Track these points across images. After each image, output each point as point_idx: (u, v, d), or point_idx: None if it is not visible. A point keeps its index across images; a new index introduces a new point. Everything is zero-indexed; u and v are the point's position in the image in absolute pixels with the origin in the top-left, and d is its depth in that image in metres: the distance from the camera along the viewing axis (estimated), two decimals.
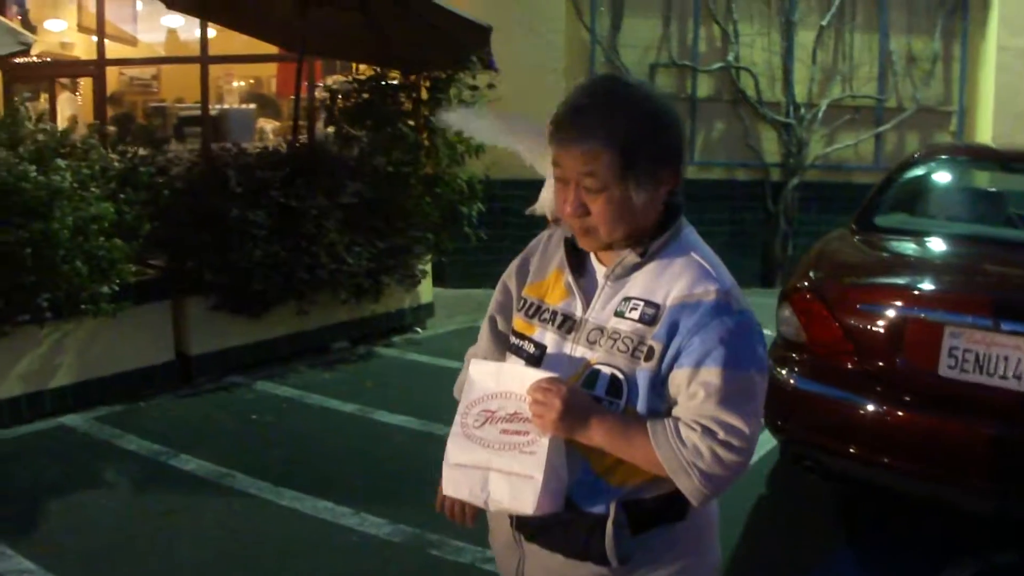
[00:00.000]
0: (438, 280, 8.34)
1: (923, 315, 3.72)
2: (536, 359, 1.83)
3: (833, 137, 10.11)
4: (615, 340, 1.72)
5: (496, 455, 1.72)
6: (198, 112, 10.49)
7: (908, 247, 4.60)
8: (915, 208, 5.26)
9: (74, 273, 5.00)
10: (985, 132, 10.53)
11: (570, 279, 1.84)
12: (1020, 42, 10.48)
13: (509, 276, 2.01)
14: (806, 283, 4.17)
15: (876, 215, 4.99)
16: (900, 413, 3.69)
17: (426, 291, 7.71)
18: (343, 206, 6.51)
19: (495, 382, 1.76)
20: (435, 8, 6.70)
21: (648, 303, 1.72)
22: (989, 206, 5.25)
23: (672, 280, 1.72)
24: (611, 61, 9.33)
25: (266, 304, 6.29)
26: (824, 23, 9.94)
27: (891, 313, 3.78)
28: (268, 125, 11.60)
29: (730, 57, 9.71)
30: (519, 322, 1.91)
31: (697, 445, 1.64)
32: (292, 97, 7.89)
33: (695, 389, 1.65)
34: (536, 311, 1.88)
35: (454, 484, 1.77)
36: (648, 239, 1.76)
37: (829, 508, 4.37)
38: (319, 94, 9.48)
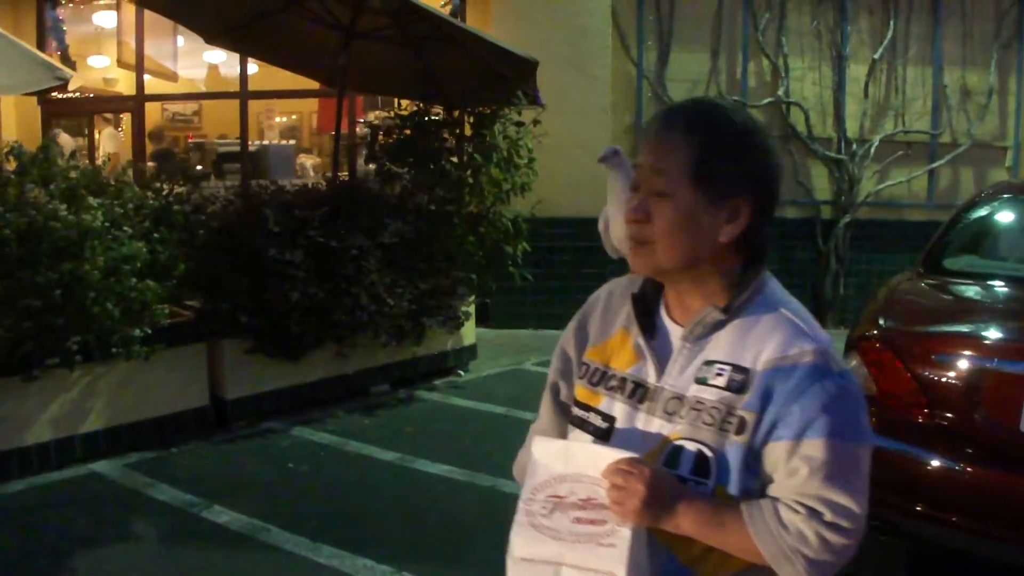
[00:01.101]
0: (481, 321, 8.13)
1: (1004, 366, 3.47)
2: (604, 433, 1.60)
3: (885, 173, 9.83)
4: (699, 411, 1.49)
5: (569, 548, 1.49)
6: (237, 148, 10.42)
7: (981, 292, 4.36)
8: (983, 250, 5.00)
9: (105, 315, 4.84)
10: None
11: (640, 340, 1.61)
12: None
13: (567, 340, 1.77)
14: (875, 331, 3.92)
15: (944, 257, 4.76)
16: (978, 470, 3.43)
17: (469, 333, 7.48)
18: (383, 246, 6.32)
19: (563, 463, 1.54)
20: (481, 42, 6.55)
21: (736, 368, 1.50)
22: None
23: (761, 340, 1.50)
24: (658, 96, 9.13)
25: (304, 347, 6.09)
26: (876, 56, 9.70)
27: (968, 364, 3.53)
28: (308, 161, 11.52)
29: (780, 92, 9.47)
30: (582, 391, 1.68)
31: (801, 529, 1.44)
32: (333, 133, 7.77)
33: (796, 464, 1.44)
34: (601, 378, 1.65)
35: None
36: (728, 291, 1.54)
37: (902, 572, 4.10)
38: (360, 130, 9.36)
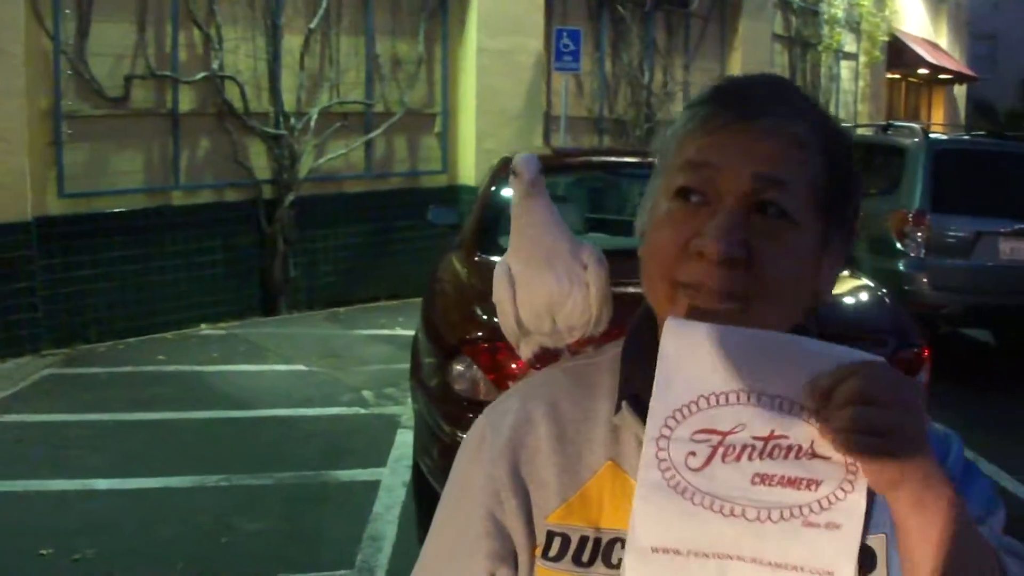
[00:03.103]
0: None
1: None
2: None
3: (324, 147, 9.82)
4: None
5: (748, 531, 0.87)
6: None
7: None
8: None
9: None
10: (468, 132, 11.00)
11: None
12: (498, 43, 10.99)
13: (492, 495, 1.07)
14: (484, 331, 3.92)
15: (498, 237, 4.87)
16: None
17: None
18: None
19: (724, 364, 0.87)
20: None
21: None
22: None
23: None
24: (80, 75, 8.09)
25: None
26: (312, 26, 9.54)
27: None
28: None
29: (214, 65, 8.92)
30: None
31: None
32: None
33: None
34: (595, 553, 1.03)
35: None
36: None
37: None
38: None
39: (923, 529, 0.87)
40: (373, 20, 10.12)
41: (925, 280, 8.16)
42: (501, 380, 3.80)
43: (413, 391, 4.87)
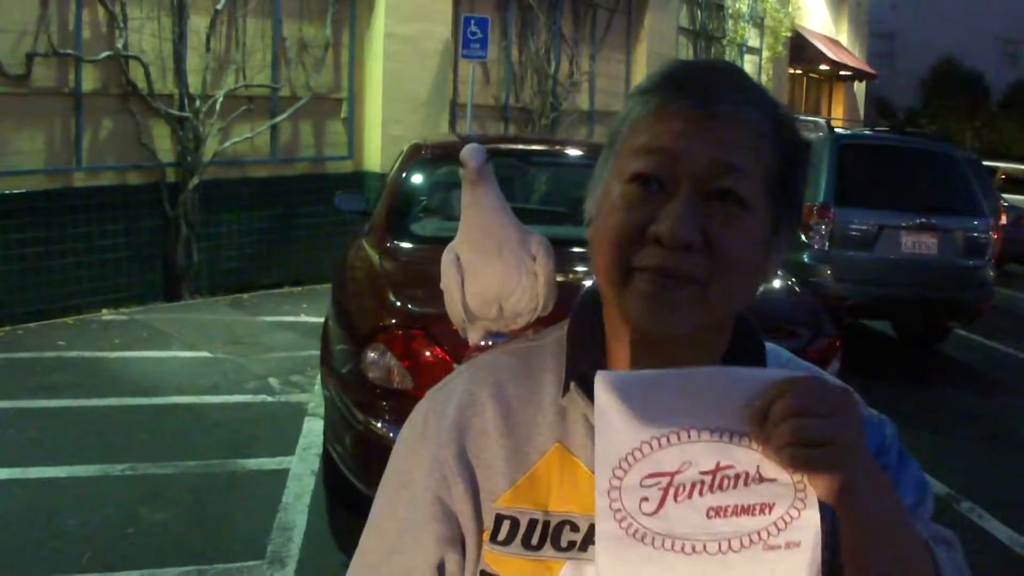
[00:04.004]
0: None
1: None
2: None
3: (230, 131, 9.79)
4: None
5: (713, 563, 0.90)
6: None
7: None
8: (445, 213, 5.38)
9: None
10: (375, 118, 11.08)
11: None
12: (405, 29, 11.09)
13: (439, 479, 1.09)
14: (398, 318, 3.99)
15: (411, 224, 4.91)
16: None
17: None
18: None
19: (655, 411, 0.90)
20: None
21: None
22: None
23: None
24: None
25: None
26: (219, 7, 9.50)
27: None
28: None
29: (119, 44, 8.82)
30: (511, 565, 1.06)
31: None
32: None
33: None
34: (544, 536, 1.05)
35: None
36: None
37: None
38: None
39: (863, 525, 0.92)
40: (280, 3, 10.13)
41: (829, 272, 8.52)
42: (415, 367, 3.82)
43: (323, 379, 4.91)
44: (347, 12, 10.84)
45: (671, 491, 0.88)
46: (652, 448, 0.88)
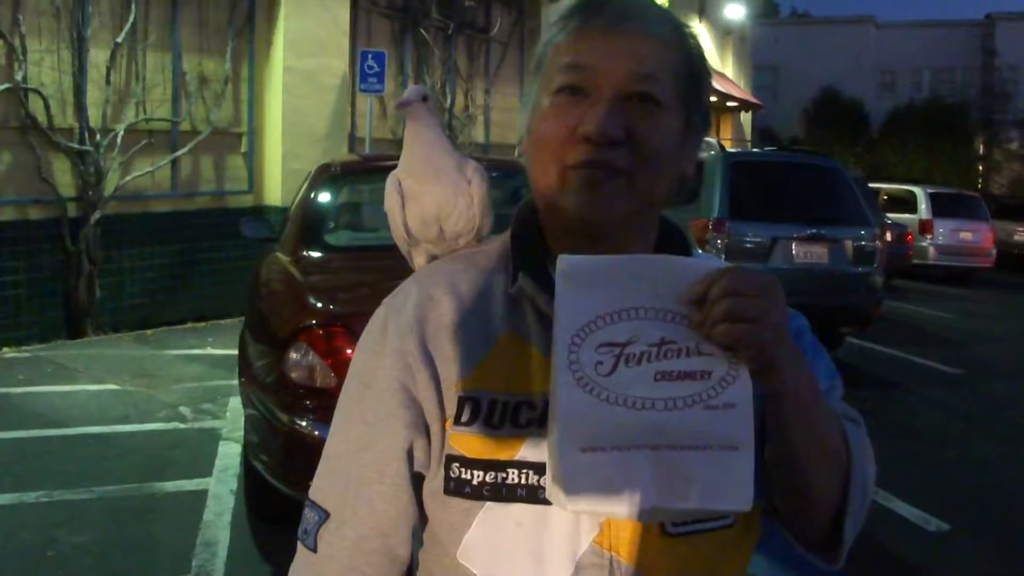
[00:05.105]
0: None
1: None
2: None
3: (131, 165, 9.86)
4: None
5: (660, 419, 1.01)
6: None
7: (393, 261, 4.93)
8: (355, 224, 5.79)
9: None
10: (275, 152, 11.26)
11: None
12: (304, 64, 11.33)
13: (403, 368, 1.19)
14: (320, 319, 4.13)
15: (324, 235, 5.11)
16: None
17: None
18: None
19: (610, 291, 1.03)
20: None
21: None
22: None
23: None
24: None
25: None
26: (119, 40, 9.59)
27: None
28: None
29: (18, 77, 8.83)
30: (476, 442, 1.16)
31: None
32: None
33: None
34: (503, 415, 1.16)
35: (590, 489, 1.01)
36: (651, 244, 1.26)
37: None
38: None
39: (786, 398, 1.07)
40: (180, 37, 10.28)
41: None
42: (338, 365, 3.96)
43: (243, 395, 5.02)
44: (246, 47, 11.02)
45: (623, 358, 1.01)
46: (606, 322, 1.02)
